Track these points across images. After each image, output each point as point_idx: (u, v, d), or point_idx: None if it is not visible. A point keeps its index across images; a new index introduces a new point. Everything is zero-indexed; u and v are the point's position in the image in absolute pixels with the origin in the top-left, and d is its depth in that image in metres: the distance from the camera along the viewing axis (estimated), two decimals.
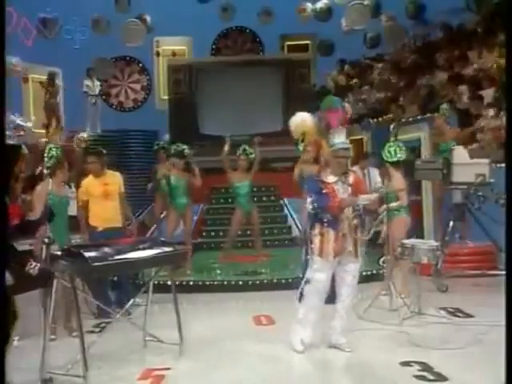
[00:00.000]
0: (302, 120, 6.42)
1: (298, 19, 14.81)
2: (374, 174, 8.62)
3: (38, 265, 3.94)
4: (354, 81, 13.94)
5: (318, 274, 4.74)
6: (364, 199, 4.83)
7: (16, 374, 4.06)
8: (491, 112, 8.43)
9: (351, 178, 4.88)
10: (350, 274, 4.84)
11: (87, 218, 6.36)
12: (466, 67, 10.20)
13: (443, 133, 8.80)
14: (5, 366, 3.58)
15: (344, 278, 4.83)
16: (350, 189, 4.81)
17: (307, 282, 4.81)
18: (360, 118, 11.92)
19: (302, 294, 4.89)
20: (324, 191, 4.75)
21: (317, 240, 4.77)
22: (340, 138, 4.87)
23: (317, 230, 4.79)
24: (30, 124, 11.17)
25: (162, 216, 9.18)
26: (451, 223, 7.32)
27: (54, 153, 6.07)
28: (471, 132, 8.77)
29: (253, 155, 8.73)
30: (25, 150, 8.00)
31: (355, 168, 8.00)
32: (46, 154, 6.10)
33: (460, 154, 7.48)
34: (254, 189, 9.00)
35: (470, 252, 7.79)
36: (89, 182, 6.41)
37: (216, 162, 9.31)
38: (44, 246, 4.33)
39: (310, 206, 4.80)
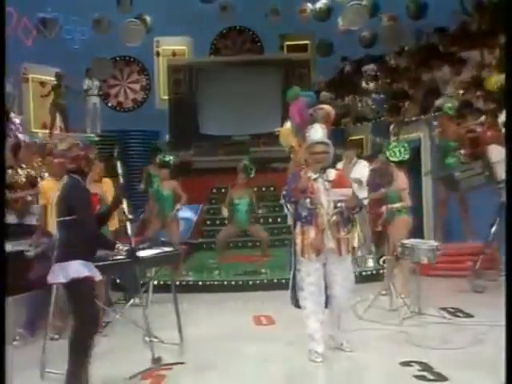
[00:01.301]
0: (283, 134, 6.32)
1: (297, 19, 14.80)
2: (361, 166, 8.14)
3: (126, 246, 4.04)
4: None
5: (306, 279, 4.65)
6: (336, 193, 4.56)
7: (17, 372, 4.06)
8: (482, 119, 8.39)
9: (332, 174, 4.69)
10: (338, 274, 4.67)
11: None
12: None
13: (445, 131, 8.71)
14: (4, 365, 3.59)
15: (334, 280, 4.68)
16: (329, 185, 4.61)
17: (300, 289, 4.70)
18: (363, 118, 11.94)
19: (296, 299, 4.79)
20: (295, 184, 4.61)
21: (298, 240, 4.68)
22: (316, 134, 4.73)
23: (298, 229, 4.70)
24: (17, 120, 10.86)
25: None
26: (497, 223, 6.87)
27: None
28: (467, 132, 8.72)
29: (253, 170, 8.65)
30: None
31: (340, 164, 7.78)
32: None
33: (496, 150, 7.14)
34: (254, 189, 8.98)
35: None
36: (47, 184, 5.81)
37: (216, 162, 9.30)
38: (128, 223, 4.37)
39: (282, 200, 4.75)
